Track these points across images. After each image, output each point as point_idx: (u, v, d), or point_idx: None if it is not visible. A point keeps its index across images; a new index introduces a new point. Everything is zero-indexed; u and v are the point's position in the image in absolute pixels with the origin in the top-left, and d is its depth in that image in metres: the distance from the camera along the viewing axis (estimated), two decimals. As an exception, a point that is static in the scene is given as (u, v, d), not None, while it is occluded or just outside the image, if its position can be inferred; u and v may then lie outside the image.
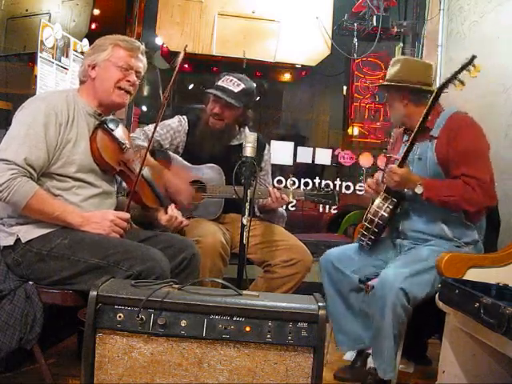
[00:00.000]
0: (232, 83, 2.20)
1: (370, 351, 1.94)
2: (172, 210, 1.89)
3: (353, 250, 2.06)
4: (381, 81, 2.13)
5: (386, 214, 1.93)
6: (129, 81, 1.71)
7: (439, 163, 1.91)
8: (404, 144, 2.10)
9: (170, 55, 3.70)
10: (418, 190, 1.85)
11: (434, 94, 1.79)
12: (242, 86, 2.20)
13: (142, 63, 1.76)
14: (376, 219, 1.93)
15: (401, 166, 1.87)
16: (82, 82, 1.75)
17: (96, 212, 1.63)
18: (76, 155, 1.62)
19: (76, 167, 1.62)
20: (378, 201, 1.96)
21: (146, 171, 1.82)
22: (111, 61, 1.68)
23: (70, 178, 1.61)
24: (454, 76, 1.80)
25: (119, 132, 1.75)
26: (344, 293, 2.00)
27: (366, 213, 1.99)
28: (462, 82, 1.80)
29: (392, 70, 2.05)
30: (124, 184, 1.88)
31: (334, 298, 2.01)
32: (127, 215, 1.66)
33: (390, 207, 1.93)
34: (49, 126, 1.56)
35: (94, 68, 1.69)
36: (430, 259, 1.81)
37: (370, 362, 1.84)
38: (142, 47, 1.77)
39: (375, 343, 1.80)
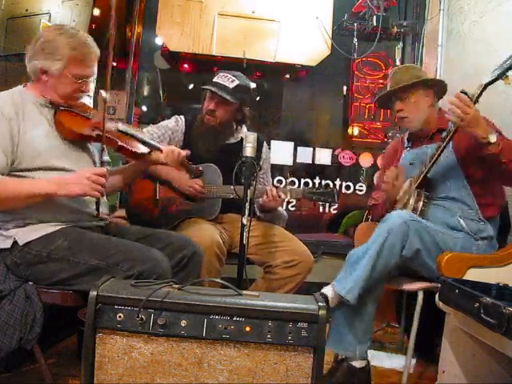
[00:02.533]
0: (227, 79, 2.21)
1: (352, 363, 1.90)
2: (166, 146, 1.89)
3: None
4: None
5: (424, 208, 1.89)
6: (83, 91, 1.67)
7: (459, 159, 1.91)
8: (407, 150, 2.12)
9: (170, 55, 3.70)
10: (492, 137, 1.69)
11: (481, 88, 1.71)
12: (237, 82, 2.21)
13: (96, 63, 1.68)
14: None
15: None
16: (31, 79, 1.68)
17: (70, 174, 1.58)
18: (41, 146, 1.58)
19: (44, 157, 1.57)
20: (412, 201, 1.90)
21: (121, 125, 1.79)
22: (66, 74, 1.61)
23: (41, 169, 1.57)
24: (506, 71, 1.69)
25: (77, 106, 1.72)
26: None
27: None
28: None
29: (407, 75, 2.03)
30: (107, 158, 1.85)
31: None
32: (103, 170, 1.58)
33: (425, 201, 1.89)
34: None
35: (46, 73, 1.62)
36: (439, 237, 1.81)
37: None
38: (96, 51, 1.67)
39: (349, 268, 1.78)
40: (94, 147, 1.79)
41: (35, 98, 1.65)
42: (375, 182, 2.33)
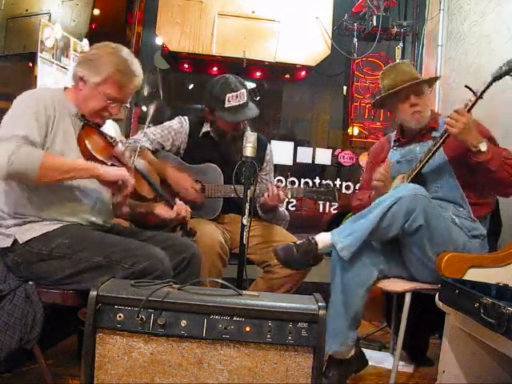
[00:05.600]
0: (239, 96, 2.14)
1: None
2: (178, 203, 1.88)
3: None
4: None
5: None
6: (110, 112, 1.68)
7: (451, 160, 1.92)
8: (394, 148, 2.14)
9: (170, 55, 3.70)
10: (483, 146, 1.72)
11: (487, 84, 1.72)
12: (245, 91, 2.17)
13: (133, 92, 1.71)
14: None
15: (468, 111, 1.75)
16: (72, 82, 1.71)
17: None
18: (69, 154, 1.60)
19: None
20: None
21: (139, 163, 1.79)
22: (101, 90, 1.62)
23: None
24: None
25: (106, 128, 1.75)
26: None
27: None
28: None
29: (411, 70, 2.04)
30: None
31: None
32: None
33: None
34: (39, 115, 1.55)
35: (83, 82, 1.64)
36: (444, 223, 1.80)
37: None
38: (139, 83, 1.69)
39: (350, 223, 1.83)
40: None
41: (70, 105, 1.66)
42: (361, 181, 2.30)
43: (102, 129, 1.72)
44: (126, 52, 1.68)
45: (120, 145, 1.77)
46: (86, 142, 1.63)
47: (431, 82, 2.10)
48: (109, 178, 1.56)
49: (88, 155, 1.63)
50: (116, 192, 1.64)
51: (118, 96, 1.65)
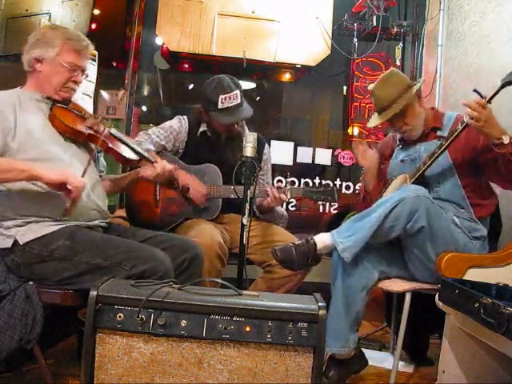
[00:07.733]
0: (232, 98, 2.14)
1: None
2: (159, 163, 1.84)
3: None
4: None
5: None
6: (75, 81, 1.71)
7: (455, 161, 1.91)
8: (399, 147, 2.14)
9: (170, 55, 3.70)
10: (506, 138, 1.69)
11: (498, 88, 1.71)
12: (238, 92, 2.16)
13: (88, 60, 1.76)
14: None
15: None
16: (26, 74, 1.73)
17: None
18: (37, 135, 1.60)
19: (42, 147, 1.60)
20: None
21: (113, 130, 1.79)
22: (59, 61, 1.66)
23: (39, 160, 1.57)
24: None
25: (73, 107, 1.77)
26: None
27: None
28: None
29: (393, 87, 1.98)
30: (104, 163, 1.86)
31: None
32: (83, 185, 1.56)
33: None
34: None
35: (40, 62, 1.66)
36: (446, 223, 1.81)
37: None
38: (90, 45, 1.75)
39: (352, 223, 1.83)
40: (85, 148, 1.79)
41: (32, 93, 1.68)
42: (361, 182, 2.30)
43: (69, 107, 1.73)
44: (62, 26, 1.77)
45: (92, 117, 1.77)
46: (60, 118, 1.66)
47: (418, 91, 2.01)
48: (51, 177, 1.48)
49: (64, 129, 1.67)
50: (65, 194, 1.51)
51: (78, 62, 1.69)
